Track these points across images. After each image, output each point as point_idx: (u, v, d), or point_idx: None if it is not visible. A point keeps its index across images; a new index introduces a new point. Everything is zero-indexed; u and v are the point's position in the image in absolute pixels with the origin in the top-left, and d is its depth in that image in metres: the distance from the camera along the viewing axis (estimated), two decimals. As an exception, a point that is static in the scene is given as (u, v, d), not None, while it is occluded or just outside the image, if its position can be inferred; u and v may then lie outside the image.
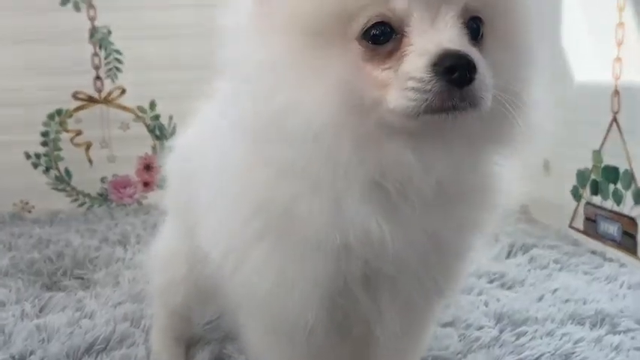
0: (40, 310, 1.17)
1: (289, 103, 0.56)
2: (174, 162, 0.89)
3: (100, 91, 1.83)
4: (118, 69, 1.82)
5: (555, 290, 1.15)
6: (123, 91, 1.84)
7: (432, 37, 0.55)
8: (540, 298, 1.13)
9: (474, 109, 0.56)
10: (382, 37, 0.57)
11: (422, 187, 0.59)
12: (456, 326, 1.04)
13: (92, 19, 1.79)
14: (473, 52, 0.56)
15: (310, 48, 0.57)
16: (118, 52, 1.81)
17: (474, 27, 0.59)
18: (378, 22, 0.56)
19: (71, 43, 1.78)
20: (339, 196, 0.60)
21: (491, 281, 1.22)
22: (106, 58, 1.81)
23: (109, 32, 1.80)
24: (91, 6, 1.78)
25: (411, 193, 0.60)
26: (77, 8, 1.77)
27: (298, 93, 0.56)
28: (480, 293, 1.16)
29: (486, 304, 1.11)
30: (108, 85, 1.82)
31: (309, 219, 0.60)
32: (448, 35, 0.55)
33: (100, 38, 1.80)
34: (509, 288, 1.19)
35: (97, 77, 1.82)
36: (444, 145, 0.59)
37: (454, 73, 0.53)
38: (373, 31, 0.56)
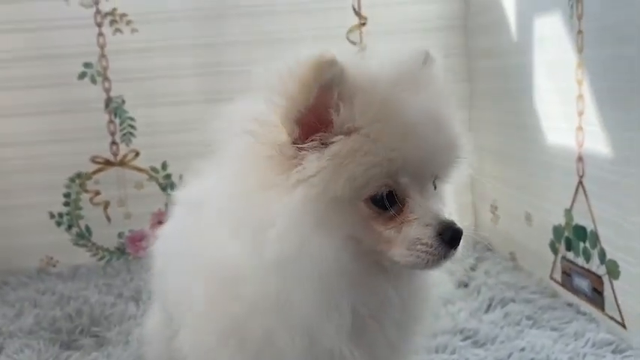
0: (56, 373, 1.31)
1: (303, 247, 0.69)
2: (159, 248, 1.01)
3: (115, 154, 1.99)
4: (131, 134, 1.98)
5: (523, 349, 1.23)
6: (137, 154, 2.00)
7: (428, 208, 0.72)
8: (508, 357, 1.22)
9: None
10: (388, 203, 0.72)
11: (394, 314, 0.76)
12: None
13: (107, 90, 1.96)
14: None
15: (324, 202, 0.70)
16: (131, 118, 1.98)
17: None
18: (388, 192, 0.71)
19: (89, 113, 1.96)
20: (315, 328, 0.73)
21: (464, 339, 1.31)
22: (120, 125, 1.98)
23: (123, 101, 1.97)
24: (106, 79, 1.95)
25: (384, 318, 0.77)
26: (93, 81, 1.95)
27: (311, 239, 0.69)
28: (452, 352, 1.26)
29: (457, 364, 1.21)
30: (123, 149, 1.99)
31: (284, 348, 0.73)
32: (437, 206, 0.73)
33: (114, 107, 1.97)
34: (481, 346, 1.28)
35: (113, 142, 1.99)
36: (411, 280, 0.78)
37: (454, 241, 0.72)
38: (381, 198, 0.72)
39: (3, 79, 1.93)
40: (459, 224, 0.72)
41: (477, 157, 2.23)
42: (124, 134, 1.98)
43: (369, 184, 0.69)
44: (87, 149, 1.98)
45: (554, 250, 1.54)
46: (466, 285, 1.63)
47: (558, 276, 1.53)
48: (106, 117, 1.97)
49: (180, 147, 1.92)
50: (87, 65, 1.94)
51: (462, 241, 0.72)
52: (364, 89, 0.69)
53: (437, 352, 1.26)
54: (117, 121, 1.98)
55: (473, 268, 1.74)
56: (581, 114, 1.35)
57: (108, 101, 1.97)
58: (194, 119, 1.89)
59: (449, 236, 0.70)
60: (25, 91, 1.94)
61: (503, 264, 1.78)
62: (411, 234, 0.71)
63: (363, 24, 1.98)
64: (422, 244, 0.71)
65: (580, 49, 1.34)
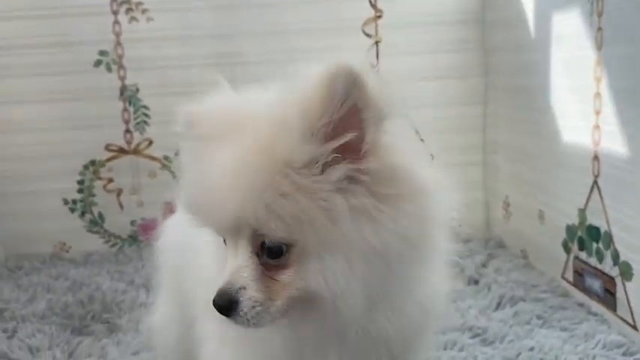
0: (69, 356, 1.32)
1: None
2: (166, 242, 1.03)
3: (129, 143, 2.00)
4: (145, 122, 1.99)
5: (531, 348, 1.23)
6: (150, 143, 2.01)
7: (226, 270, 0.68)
8: (517, 356, 1.21)
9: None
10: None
11: None
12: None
13: (122, 78, 1.97)
14: (244, 278, 0.66)
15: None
16: (145, 107, 1.99)
17: (277, 246, 0.66)
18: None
19: (103, 100, 1.97)
20: None
21: (473, 336, 1.30)
22: (134, 113, 1.99)
23: (137, 90, 1.97)
24: (121, 67, 1.96)
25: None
26: (109, 69, 1.96)
27: None
28: (461, 349, 1.25)
29: (464, 361, 1.21)
30: (137, 137, 2.00)
31: None
32: (237, 264, 0.67)
33: (129, 95, 1.98)
34: (490, 344, 1.27)
35: (127, 130, 2.00)
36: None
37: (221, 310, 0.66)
38: None
39: (19, 65, 1.94)
40: (230, 292, 0.66)
41: (489, 153, 2.24)
42: (138, 123, 1.99)
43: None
44: (101, 137, 1.99)
45: (567, 250, 1.53)
46: (476, 282, 1.63)
47: (570, 275, 1.52)
48: (121, 105, 1.98)
49: (194, 137, 1.91)
50: (102, 53, 1.95)
51: (234, 304, 0.65)
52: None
53: (445, 348, 1.26)
54: (131, 109, 1.99)
55: (484, 265, 1.74)
56: (598, 112, 1.33)
57: (122, 89, 1.97)
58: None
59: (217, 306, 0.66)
60: (40, 78, 1.95)
61: (514, 262, 1.77)
62: None
63: (379, 17, 1.97)
64: None
65: (599, 47, 1.32)
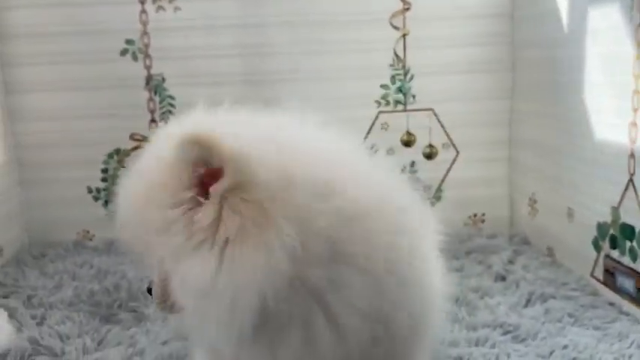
0: (99, 344, 1.33)
1: None
2: None
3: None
4: (170, 112, 1.99)
5: (565, 347, 1.21)
6: (174, 133, 2.00)
7: None
8: (550, 354, 1.20)
9: None
10: None
11: None
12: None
13: (148, 67, 1.96)
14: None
15: None
16: (171, 97, 1.98)
17: None
18: None
19: (129, 89, 1.96)
20: None
21: (504, 333, 1.29)
22: (160, 103, 1.98)
23: (163, 79, 1.97)
24: (147, 56, 1.95)
25: None
26: (135, 58, 1.95)
27: None
28: (492, 346, 1.24)
29: (497, 358, 1.19)
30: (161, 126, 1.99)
31: None
32: None
33: (155, 85, 1.97)
34: (522, 341, 1.26)
35: (152, 120, 2.00)
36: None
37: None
38: None
39: (44, 53, 1.94)
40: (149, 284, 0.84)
41: (516, 149, 2.22)
42: (163, 112, 1.99)
43: None
44: (126, 126, 1.99)
45: (597, 248, 1.51)
46: (503, 278, 1.62)
47: (600, 274, 1.51)
48: (146, 95, 1.98)
49: (218, 127, 1.91)
50: (129, 42, 1.94)
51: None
52: None
53: (476, 345, 1.25)
54: (157, 99, 1.98)
55: (511, 261, 1.72)
56: (636, 110, 1.31)
57: (148, 79, 1.97)
58: (232, 100, 1.88)
59: None
60: (65, 66, 1.95)
61: (540, 259, 1.75)
62: None
63: (407, 9, 1.95)
64: None
65: (639, 43, 1.29)
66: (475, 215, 2.07)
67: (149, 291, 0.85)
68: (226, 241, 0.68)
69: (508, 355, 1.20)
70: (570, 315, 1.35)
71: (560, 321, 1.33)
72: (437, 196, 2.06)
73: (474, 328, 1.32)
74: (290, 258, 0.66)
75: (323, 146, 0.76)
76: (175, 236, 0.71)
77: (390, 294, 0.72)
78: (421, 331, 0.83)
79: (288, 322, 0.71)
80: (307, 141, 0.77)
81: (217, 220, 0.69)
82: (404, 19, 1.95)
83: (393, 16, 1.95)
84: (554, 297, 1.45)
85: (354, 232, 0.69)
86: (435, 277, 0.84)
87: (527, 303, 1.45)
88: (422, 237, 0.80)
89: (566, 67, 1.62)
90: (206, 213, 0.70)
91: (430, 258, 0.84)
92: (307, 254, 0.67)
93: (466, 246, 1.86)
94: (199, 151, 0.68)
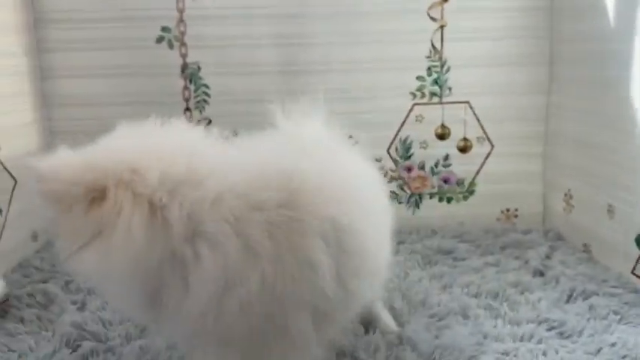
0: (141, 331, 1.33)
1: None
2: None
3: (188, 121, 1.99)
4: (205, 101, 1.98)
5: (613, 344, 1.20)
6: (209, 122, 2.00)
7: None
8: (598, 351, 1.19)
9: None
10: None
11: None
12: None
13: (184, 56, 1.96)
14: None
15: None
16: (206, 86, 1.98)
17: None
18: None
19: (164, 77, 1.96)
20: None
21: (549, 329, 1.29)
22: (195, 92, 1.98)
23: (199, 68, 1.96)
24: (183, 44, 1.95)
25: None
26: (170, 46, 1.95)
27: None
28: (539, 342, 1.24)
29: (545, 354, 1.19)
30: (196, 115, 1.99)
31: None
32: None
33: (190, 73, 1.97)
34: (568, 337, 1.25)
35: (187, 109, 1.99)
36: None
37: None
38: None
39: (80, 40, 1.94)
40: None
41: (551, 144, 2.19)
42: (198, 101, 1.98)
43: None
44: (160, 114, 1.97)
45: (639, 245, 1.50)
46: (542, 274, 1.61)
47: (642, 272, 1.49)
48: (181, 83, 1.97)
49: (252, 117, 1.88)
50: (165, 29, 1.94)
51: None
52: None
53: (522, 340, 1.25)
54: (192, 87, 1.98)
55: (548, 257, 1.71)
56: (688, 106, 1.29)
57: (184, 67, 1.96)
58: (267, 90, 1.88)
59: None
60: (101, 53, 1.95)
61: (577, 255, 1.74)
62: None
63: (446, 1, 1.93)
64: None
65: (693, 38, 1.28)
66: (508, 210, 2.06)
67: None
68: (110, 231, 0.85)
69: (556, 351, 1.19)
70: (615, 312, 1.34)
71: (605, 318, 1.32)
72: (470, 190, 2.05)
73: (518, 324, 1.31)
74: (165, 237, 0.86)
75: (197, 150, 0.97)
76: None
77: (237, 264, 0.85)
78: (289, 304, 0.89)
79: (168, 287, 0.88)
80: (183, 148, 0.97)
81: (101, 217, 0.87)
82: (442, 10, 1.93)
83: (431, 7, 1.93)
84: (596, 294, 1.44)
85: (212, 215, 0.87)
86: (310, 253, 0.88)
87: (569, 299, 1.44)
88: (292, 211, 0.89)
89: (611, 63, 1.60)
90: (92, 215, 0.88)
91: (303, 231, 0.89)
92: (176, 233, 0.86)
93: (501, 241, 1.85)
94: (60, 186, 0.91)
